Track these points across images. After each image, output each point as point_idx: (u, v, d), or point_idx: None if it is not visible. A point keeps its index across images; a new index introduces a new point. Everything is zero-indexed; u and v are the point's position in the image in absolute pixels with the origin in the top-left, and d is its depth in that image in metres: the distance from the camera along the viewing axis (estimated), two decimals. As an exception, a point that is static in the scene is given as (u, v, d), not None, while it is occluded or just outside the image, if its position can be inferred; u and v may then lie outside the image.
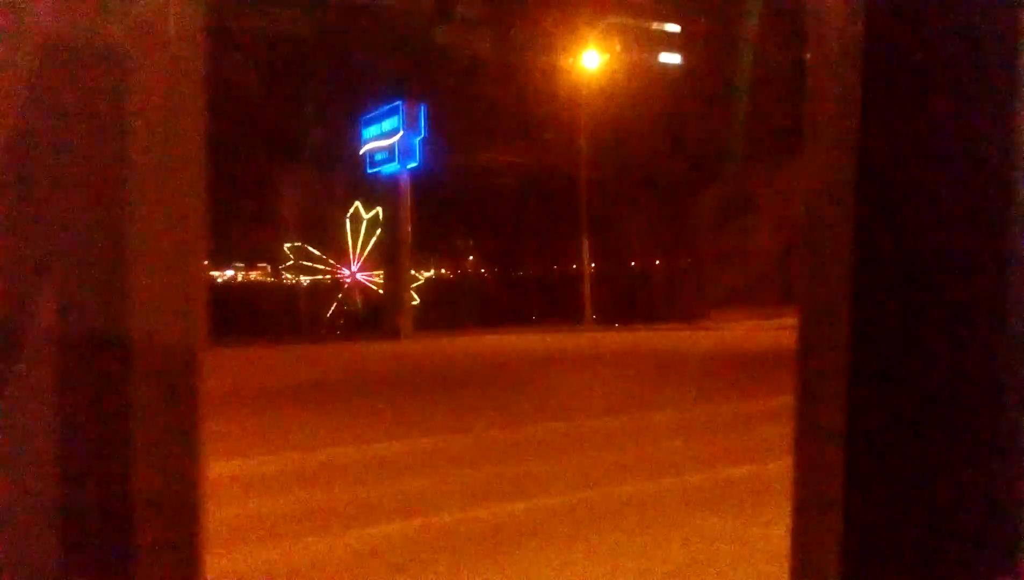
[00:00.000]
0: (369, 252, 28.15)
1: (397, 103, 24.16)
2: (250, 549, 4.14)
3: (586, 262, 24.97)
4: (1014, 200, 0.84)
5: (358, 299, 27.52)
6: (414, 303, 26.64)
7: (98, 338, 0.81)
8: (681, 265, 27.50)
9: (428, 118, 24.05)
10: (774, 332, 18.00)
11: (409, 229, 26.11)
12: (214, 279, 25.42)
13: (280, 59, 21.34)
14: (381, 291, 27.15)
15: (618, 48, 24.21)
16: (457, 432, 7.43)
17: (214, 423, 0.92)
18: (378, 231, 27.62)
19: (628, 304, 25.53)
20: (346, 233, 27.60)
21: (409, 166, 24.47)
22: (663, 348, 16.85)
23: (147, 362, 0.82)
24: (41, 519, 0.80)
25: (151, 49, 0.84)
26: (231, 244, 25.17)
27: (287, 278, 29.01)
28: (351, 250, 28.09)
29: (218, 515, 2.93)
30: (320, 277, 28.54)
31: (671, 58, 24.60)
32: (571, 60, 24.43)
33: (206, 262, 0.92)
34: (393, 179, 24.80)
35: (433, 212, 26.90)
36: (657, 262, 27.90)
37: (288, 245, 28.16)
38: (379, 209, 27.40)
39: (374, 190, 26.00)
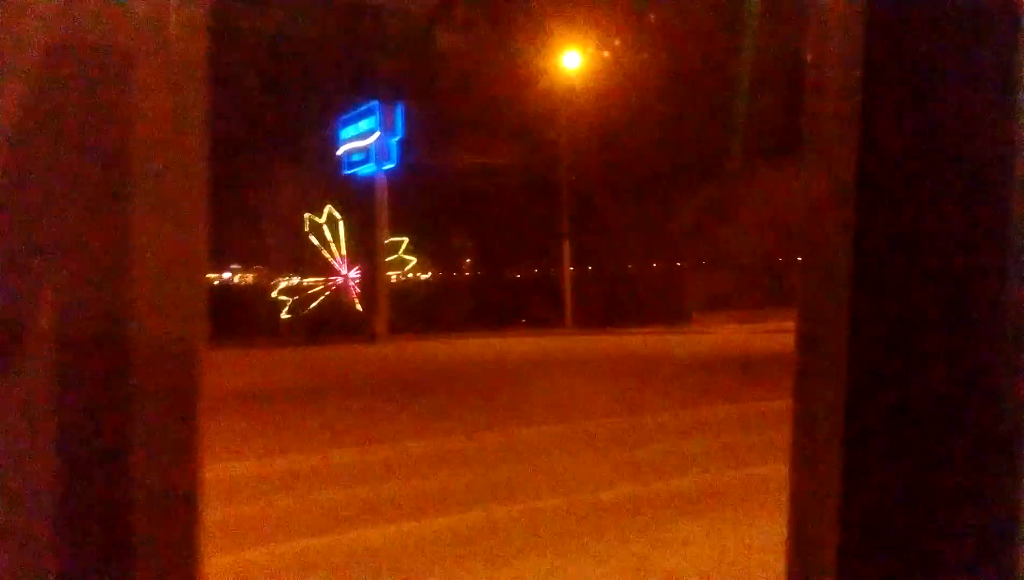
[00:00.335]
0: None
1: (373, 104, 24.12)
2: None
3: (566, 265, 25.00)
4: (1015, 201, 0.86)
5: (354, 300, 27.45)
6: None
7: (98, 337, 0.81)
8: (663, 268, 27.61)
9: (405, 119, 24.04)
10: (758, 336, 18.13)
11: (386, 231, 26.06)
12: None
13: (260, 58, 21.25)
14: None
15: (600, 48, 24.30)
16: (415, 439, 7.38)
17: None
18: (340, 228, 27.57)
19: (609, 307, 25.59)
20: (325, 236, 27.51)
21: (386, 167, 24.43)
22: (643, 352, 16.89)
23: (147, 361, 0.83)
24: (39, 518, 0.80)
25: (153, 49, 0.84)
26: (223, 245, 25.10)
27: (278, 279, 28.98)
28: (337, 252, 28.02)
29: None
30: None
31: (652, 59, 24.75)
32: (552, 61, 24.48)
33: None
34: (370, 180, 24.75)
35: (411, 214, 26.87)
36: (639, 265, 28.00)
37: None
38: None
39: (353, 191, 25.95)
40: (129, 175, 0.84)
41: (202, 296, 0.88)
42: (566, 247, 24.93)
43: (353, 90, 24.50)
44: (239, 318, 22.73)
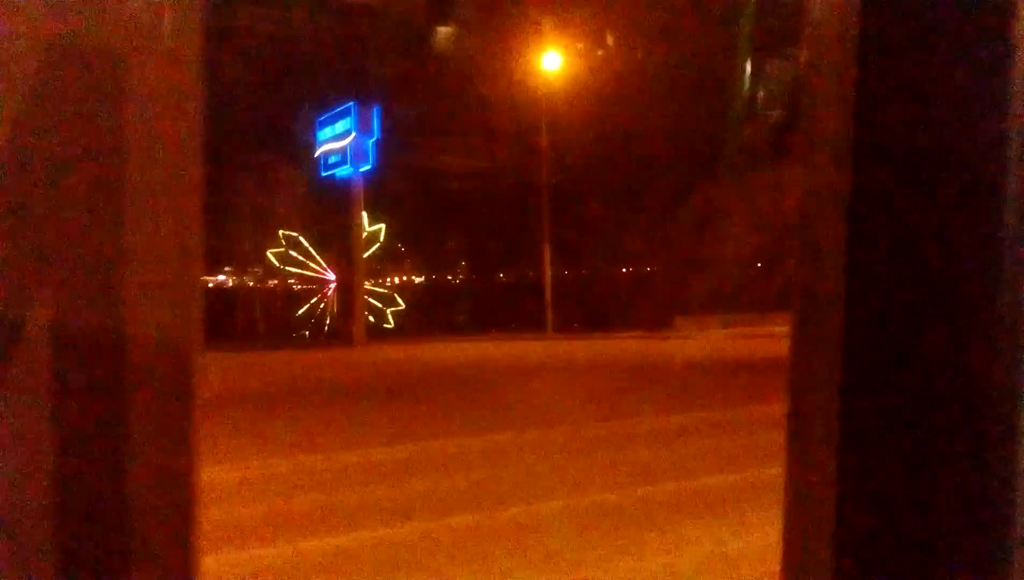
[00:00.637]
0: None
1: (349, 104, 24.04)
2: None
3: (547, 269, 25.03)
4: (1011, 201, 0.88)
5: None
6: (397, 309, 26.65)
7: (93, 339, 0.82)
8: (645, 272, 27.70)
9: (382, 120, 23.97)
10: (740, 341, 18.22)
11: (363, 234, 26.00)
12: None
13: (240, 58, 21.15)
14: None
15: (581, 49, 24.36)
16: (384, 445, 7.36)
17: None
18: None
19: (591, 312, 25.65)
20: (305, 248, 27.51)
21: (362, 169, 24.35)
22: (622, 358, 16.92)
23: (143, 362, 0.83)
24: (35, 520, 0.81)
25: (147, 48, 0.85)
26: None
27: (270, 282, 28.95)
28: (317, 262, 28.03)
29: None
30: (304, 280, 28.43)
31: (635, 60, 24.85)
32: (533, 62, 24.50)
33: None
34: (346, 182, 24.67)
35: (390, 217, 26.86)
36: (621, 269, 28.07)
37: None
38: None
39: (331, 192, 25.89)
40: (123, 176, 0.84)
41: (198, 297, 0.88)
42: (547, 251, 24.95)
43: (331, 90, 24.44)
44: (217, 322, 22.65)
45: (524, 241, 26.39)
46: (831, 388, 1.02)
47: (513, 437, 7.73)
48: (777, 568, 1.13)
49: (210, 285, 29.28)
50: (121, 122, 0.84)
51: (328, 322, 27.08)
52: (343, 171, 24.71)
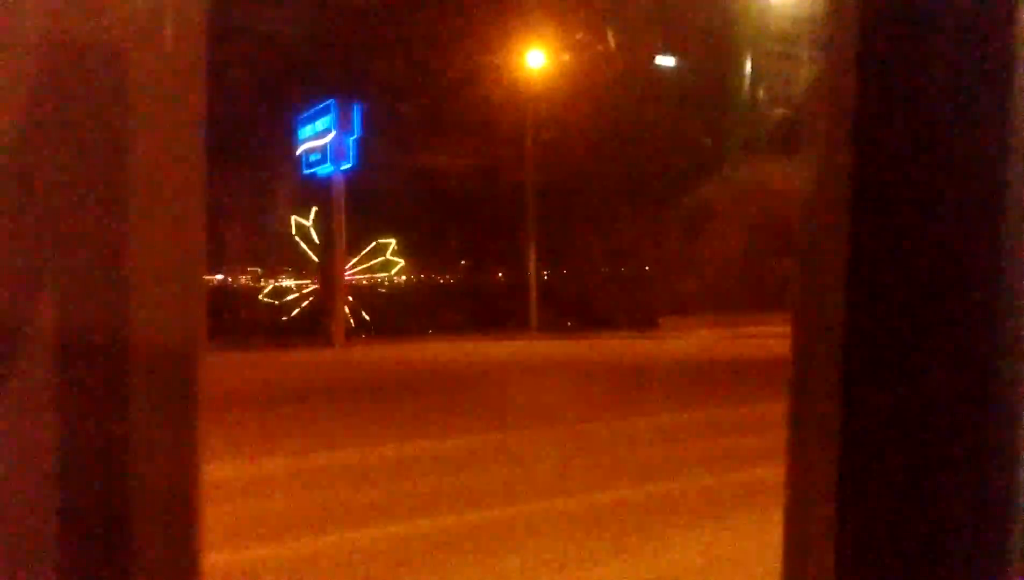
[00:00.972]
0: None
1: (329, 101, 23.90)
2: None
3: (532, 268, 25.02)
4: (1012, 202, 0.89)
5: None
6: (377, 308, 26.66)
7: (97, 338, 0.82)
8: (631, 272, 27.76)
9: (364, 118, 23.85)
10: (724, 341, 18.28)
11: (343, 233, 25.88)
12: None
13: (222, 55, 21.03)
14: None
15: (566, 47, 24.38)
16: (354, 447, 7.32)
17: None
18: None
19: (576, 311, 25.68)
20: (312, 238, 27.47)
21: (343, 168, 24.23)
22: (606, 358, 16.94)
23: (146, 361, 0.84)
24: (38, 519, 0.81)
25: (149, 48, 0.85)
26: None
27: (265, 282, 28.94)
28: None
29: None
30: (301, 283, 28.43)
31: (621, 59, 24.91)
32: (517, 60, 24.50)
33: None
34: (327, 181, 24.55)
35: (372, 216, 26.80)
36: (607, 268, 28.12)
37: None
38: (393, 242, 27.43)
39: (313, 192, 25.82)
40: (126, 175, 0.84)
41: (201, 295, 0.89)
42: (532, 250, 24.94)
43: (311, 87, 24.33)
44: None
45: (509, 241, 26.39)
46: (832, 388, 1.03)
47: (495, 438, 7.73)
48: (772, 568, 1.15)
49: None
50: (123, 121, 0.84)
51: (308, 321, 26.99)
52: (324, 170, 24.58)
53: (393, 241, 28.44)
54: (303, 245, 28.00)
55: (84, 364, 0.82)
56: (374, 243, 26.78)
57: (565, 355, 17.74)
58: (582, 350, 18.88)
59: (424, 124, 24.76)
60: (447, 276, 31.20)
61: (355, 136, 23.93)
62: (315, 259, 27.64)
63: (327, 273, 25.63)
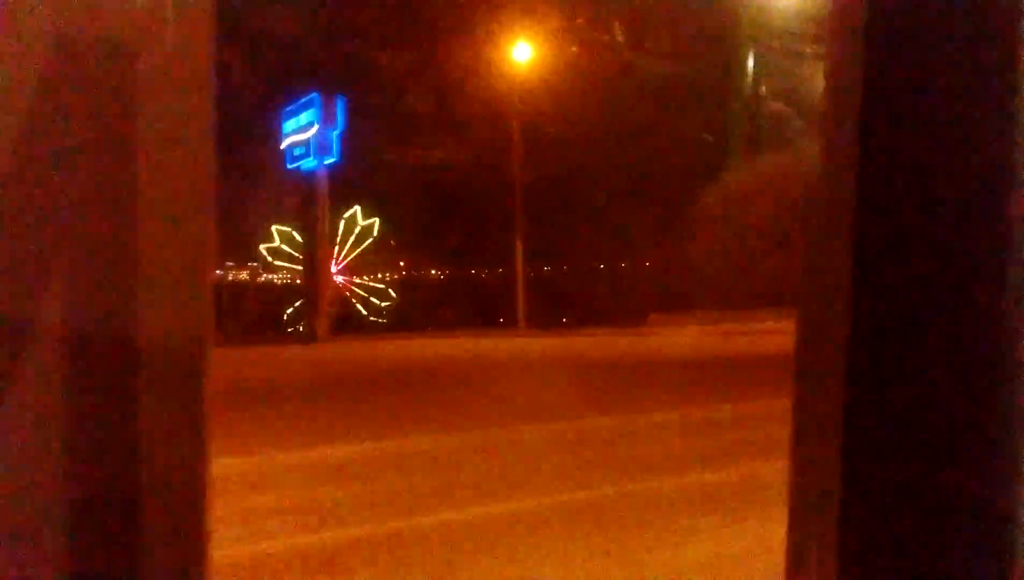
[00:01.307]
0: (353, 259, 28.21)
1: (312, 95, 23.82)
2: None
3: (520, 265, 25.01)
4: (1015, 202, 0.91)
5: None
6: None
7: (106, 333, 0.83)
8: (619, 268, 27.81)
9: (347, 111, 23.74)
10: (710, 338, 18.34)
11: (327, 228, 25.83)
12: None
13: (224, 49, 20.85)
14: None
15: (555, 41, 24.37)
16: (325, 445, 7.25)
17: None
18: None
19: (564, 308, 25.72)
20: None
21: (327, 162, 24.15)
22: (594, 355, 16.94)
23: (154, 357, 0.84)
24: (49, 513, 0.82)
25: (156, 41, 0.85)
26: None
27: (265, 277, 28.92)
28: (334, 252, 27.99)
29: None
30: (290, 276, 28.38)
31: (610, 54, 24.92)
32: (504, 54, 24.47)
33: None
34: (311, 175, 24.48)
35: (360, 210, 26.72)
36: (595, 265, 28.16)
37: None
38: (376, 221, 27.47)
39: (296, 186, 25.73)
40: (134, 169, 0.85)
41: (209, 291, 0.89)
42: (519, 246, 24.93)
43: (295, 80, 24.25)
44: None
45: (497, 237, 26.37)
46: (836, 385, 1.04)
47: (481, 436, 7.72)
48: (769, 569, 1.16)
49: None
50: (130, 116, 0.85)
51: (289, 318, 26.94)
52: (307, 164, 24.51)
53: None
54: (287, 249, 28.06)
55: (94, 360, 0.82)
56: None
57: (554, 352, 17.70)
58: (571, 347, 18.88)
59: (413, 120, 24.72)
60: (436, 272, 31.17)
61: (338, 130, 23.86)
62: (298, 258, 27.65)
63: (309, 268, 25.56)
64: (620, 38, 22.36)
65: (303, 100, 24.32)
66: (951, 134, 0.95)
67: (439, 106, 24.26)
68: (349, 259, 28.88)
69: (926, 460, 1.00)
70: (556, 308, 25.64)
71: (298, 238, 27.87)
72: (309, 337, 22.60)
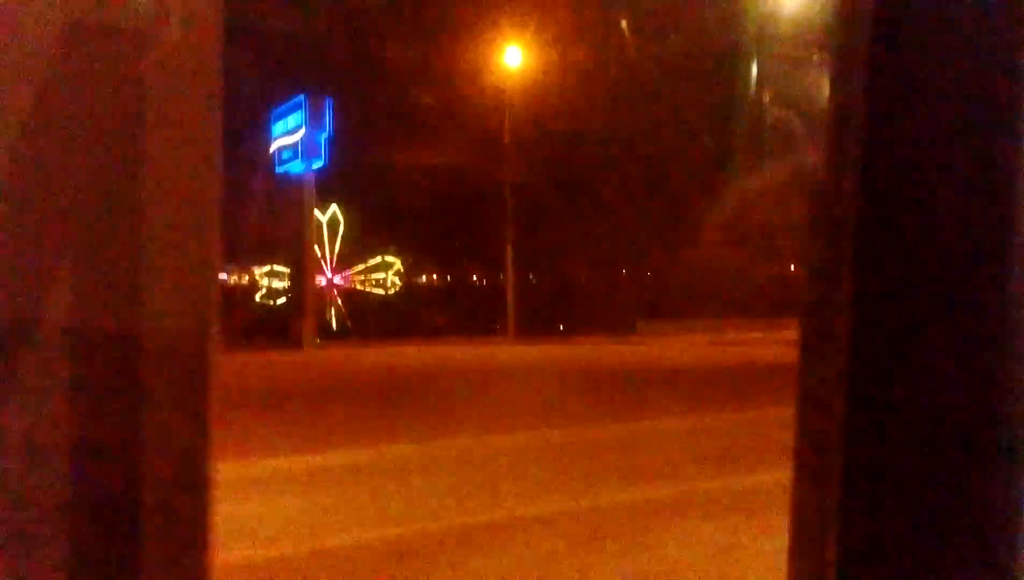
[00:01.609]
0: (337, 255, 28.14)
1: (300, 97, 23.65)
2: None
3: (509, 272, 24.94)
4: (1019, 206, 0.92)
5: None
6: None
7: (111, 334, 0.83)
8: (609, 276, 27.80)
9: (335, 114, 23.58)
10: (705, 347, 18.36)
11: (313, 233, 25.70)
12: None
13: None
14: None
15: (545, 45, 24.37)
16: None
17: None
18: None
19: (553, 316, 25.69)
20: (313, 241, 27.23)
21: (315, 165, 24.01)
22: (583, 363, 16.87)
23: (159, 358, 0.85)
24: (52, 512, 0.82)
25: (165, 31, 0.86)
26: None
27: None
28: (330, 254, 27.87)
29: None
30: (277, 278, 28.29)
31: (602, 59, 24.93)
32: (496, 59, 24.44)
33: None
34: (298, 178, 24.33)
35: (346, 215, 26.59)
36: (584, 273, 28.13)
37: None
38: (334, 206, 27.35)
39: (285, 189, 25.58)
40: (142, 168, 0.85)
41: (216, 292, 0.90)
42: (509, 254, 24.84)
43: (284, 82, 24.13)
44: None
45: (487, 244, 26.31)
46: (838, 388, 1.05)
47: (468, 443, 7.69)
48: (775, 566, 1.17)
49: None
50: (138, 106, 0.85)
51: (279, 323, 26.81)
52: (295, 167, 24.36)
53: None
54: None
55: (98, 360, 0.83)
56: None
57: (543, 360, 17.60)
58: (560, 355, 18.80)
59: (398, 123, 24.65)
60: (423, 279, 31.12)
61: (327, 133, 23.72)
62: (319, 257, 27.49)
63: (296, 273, 25.43)
64: (613, 44, 22.38)
65: (291, 102, 24.18)
66: (955, 140, 0.96)
67: (431, 112, 24.21)
68: (339, 262, 28.78)
69: (928, 461, 1.01)
70: (545, 316, 25.60)
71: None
72: (294, 343, 22.44)
